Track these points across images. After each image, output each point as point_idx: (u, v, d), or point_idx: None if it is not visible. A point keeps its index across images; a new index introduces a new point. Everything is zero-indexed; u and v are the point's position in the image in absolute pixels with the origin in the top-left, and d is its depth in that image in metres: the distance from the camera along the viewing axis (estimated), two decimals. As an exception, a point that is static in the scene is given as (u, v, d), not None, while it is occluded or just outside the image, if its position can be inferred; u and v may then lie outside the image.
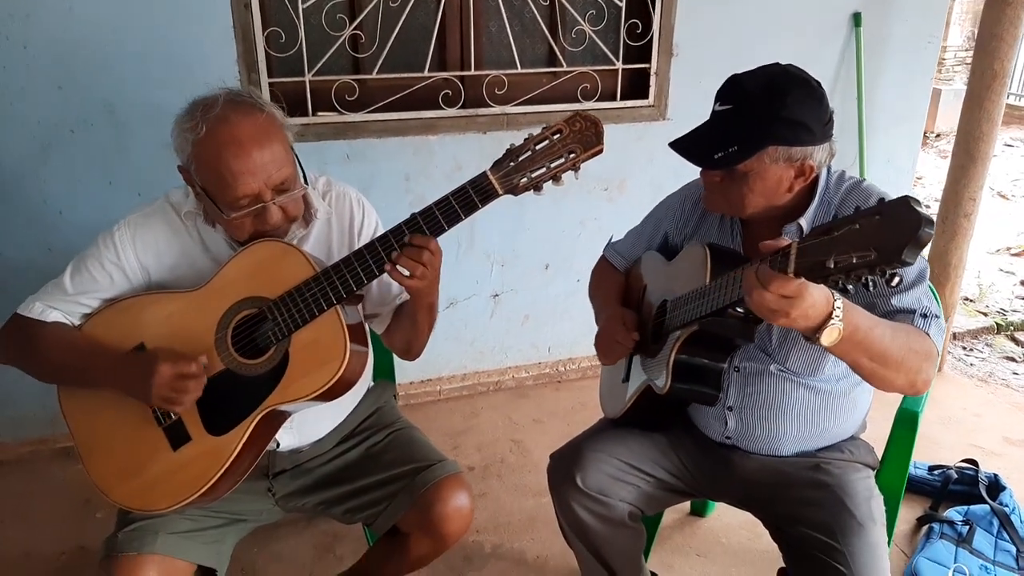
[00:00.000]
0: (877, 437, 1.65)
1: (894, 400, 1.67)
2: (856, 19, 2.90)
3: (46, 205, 2.32)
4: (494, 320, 2.96)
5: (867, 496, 1.48)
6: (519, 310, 2.98)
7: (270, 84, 2.36)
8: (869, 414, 1.65)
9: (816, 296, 1.11)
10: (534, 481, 2.47)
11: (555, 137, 1.29)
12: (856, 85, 2.97)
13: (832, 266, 0.98)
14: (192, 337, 1.40)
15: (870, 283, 0.96)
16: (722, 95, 1.40)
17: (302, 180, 1.46)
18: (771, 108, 1.32)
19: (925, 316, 1.34)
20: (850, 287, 0.99)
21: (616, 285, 1.77)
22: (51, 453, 2.56)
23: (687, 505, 2.32)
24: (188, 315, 1.42)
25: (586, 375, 3.12)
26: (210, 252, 1.50)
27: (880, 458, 1.65)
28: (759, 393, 1.53)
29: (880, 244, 0.93)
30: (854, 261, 0.95)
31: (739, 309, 1.26)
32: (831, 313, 1.13)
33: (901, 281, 0.97)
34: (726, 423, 1.58)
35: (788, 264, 1.05)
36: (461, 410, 2.91)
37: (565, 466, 1.63)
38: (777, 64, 1.39)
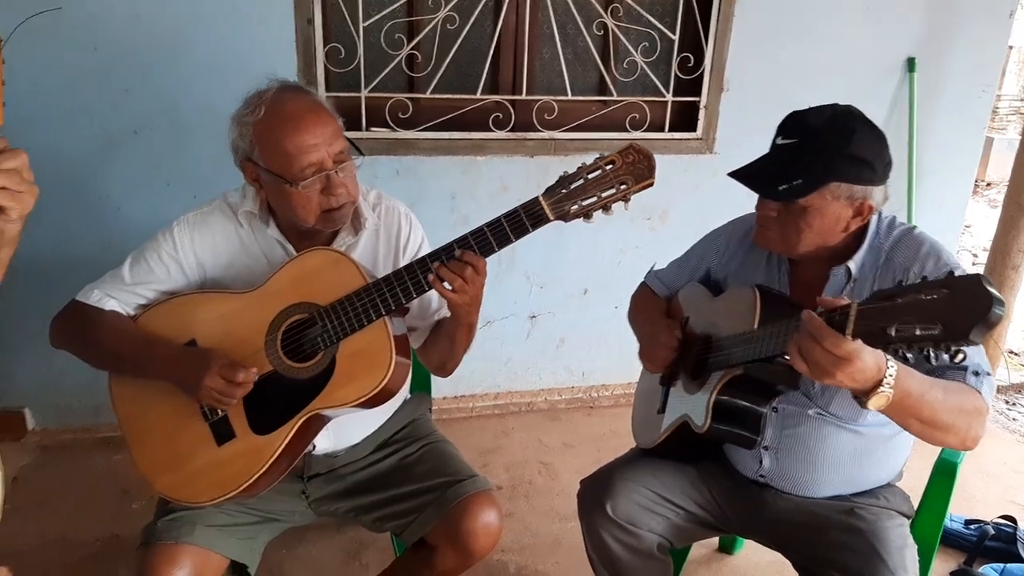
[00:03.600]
0: (913, 486, 1.63)
1: (933, 449, 1.64)
2: (910, 64, 2.89)
3: (104, 202, 2.41)
4: (530, 341, 2.98)
5: (900, 545, 1.45)
6: (555, 333, 2.99)
7: (327, 98, 2.42)
8: (907, 463, 1.62)
9: (868, 361, 1.08)
10: (561, 505, 2.47)
11: (608, 167, 1.31)
12: (908, 130, 2.95)
13: (893, 334, 0.96)
14: (243, 337, 1.44)
15: (932, 357, 0.94)
16: (785, 129, 1.41)
17: (352, 155, 1.49)
18: (838, 144, 1.33)
19: (977, 374, 1.31)
20: (910, 356, 0.98)
21: (658, 309, 1.78)
22: (93, 442, 2.63)
23: (714, 541, 2.29)
24: (241, 316, 1.46)
25: (619, 403, 3.11)
26: (264, 252, 1.55)
27: (916, 507, 1.62)
28: (797, 435, 1.52)
29: (947, 320, 0.91)
30: (917, 333, 0.94)
31: (787, 357, 1.23)
32: (881, 380, 1.11)
33: (965, 357, 0.94)
34: (761, 462, 1.57)
35: (847, 324, 1.04)
36: (492, 428, 2.92)
37: (596, 493, 1.63)
38: (838, 104, 1.40)
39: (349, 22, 2.40)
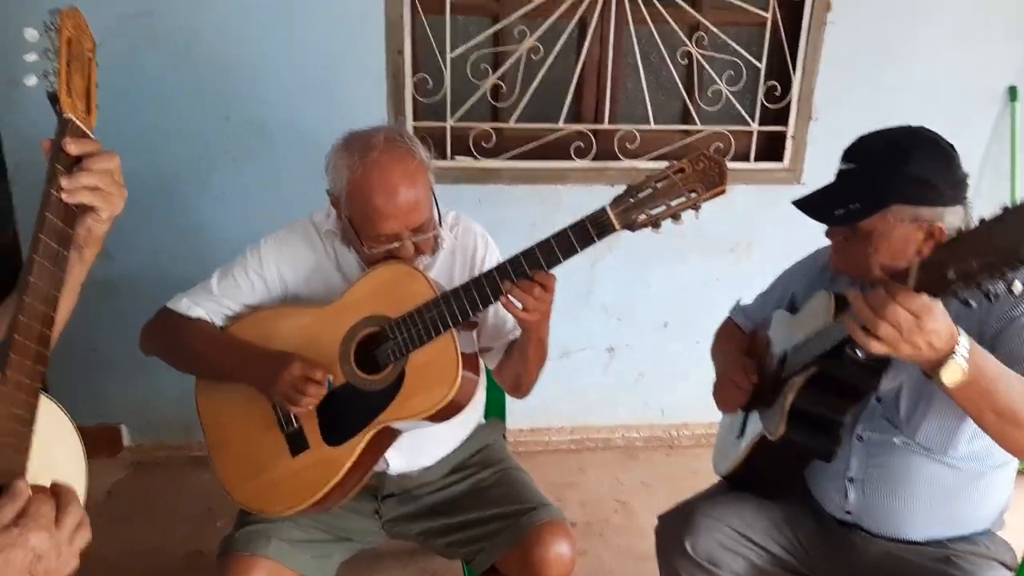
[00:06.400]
0: (1015, 541, 1.50)
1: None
2: (1012, 93, 2.74)
3: (203, 223, 2.52)
4: (607, 375, 2.93)
5: (1003, 598, 1.36)
6: (633, 367, 2.94)
7: (414, 127, 2.49)
8: (1008, 511, 1.51)
9: (940, 321, 1.07)
10: (638, 545, 2.38)
11: (677, 176, 1.28)
12: (1009, 162, 2.80)
13: (953, 277, 0.97)
14: (319, 350, 1.47)
15: (991, 294, 0.95)
16: (847, 155, 1.38)
17: (437, 221, 1.53)
18: (894, 166, 1.29)
19: None
20: (972, 301, 0.98)
21: (740, 342, 1.74)
22: (184, 460, 2.71)
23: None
24: (317, 329, 1.50)
25: (700, 443, 3.00)
26: (342, 269, 1.60)
27: (1021, 560, 1.49)
28: (884, 466, 1.44)
29: (999, 245, 0.93)
30: (973, 266, 0.94)
31: (858, 352, 1.20)
32: (955, 347, 1.09)
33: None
34: (846, 495, 1.49)
35: (909, 279, 1.03)
36: (568, 464, 2.87)
37: (675, 529, 1.58)
38: (907, 125, 1.36)
39: (437, 53, 2.47)
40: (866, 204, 1.30)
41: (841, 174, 1.38)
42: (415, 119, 2.51)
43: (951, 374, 1.10)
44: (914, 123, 1.38)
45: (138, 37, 2.25)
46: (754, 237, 2.79)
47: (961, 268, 0.96)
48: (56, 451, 1.04)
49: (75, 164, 0.98)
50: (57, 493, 0.86)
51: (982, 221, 0.97)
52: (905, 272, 1.05)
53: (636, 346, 2.90)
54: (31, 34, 0.98)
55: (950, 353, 1.09)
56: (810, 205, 1.38)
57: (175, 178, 2.46)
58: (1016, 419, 1.16)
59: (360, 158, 1.43)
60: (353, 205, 1.45)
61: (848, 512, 1.50)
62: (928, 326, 1.06)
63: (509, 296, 1.37)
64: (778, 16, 2.56)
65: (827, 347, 1.29)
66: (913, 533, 1.45)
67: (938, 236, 1.32)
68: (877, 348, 1.10)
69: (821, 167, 2.69)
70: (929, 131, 1.34)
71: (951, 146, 1.32)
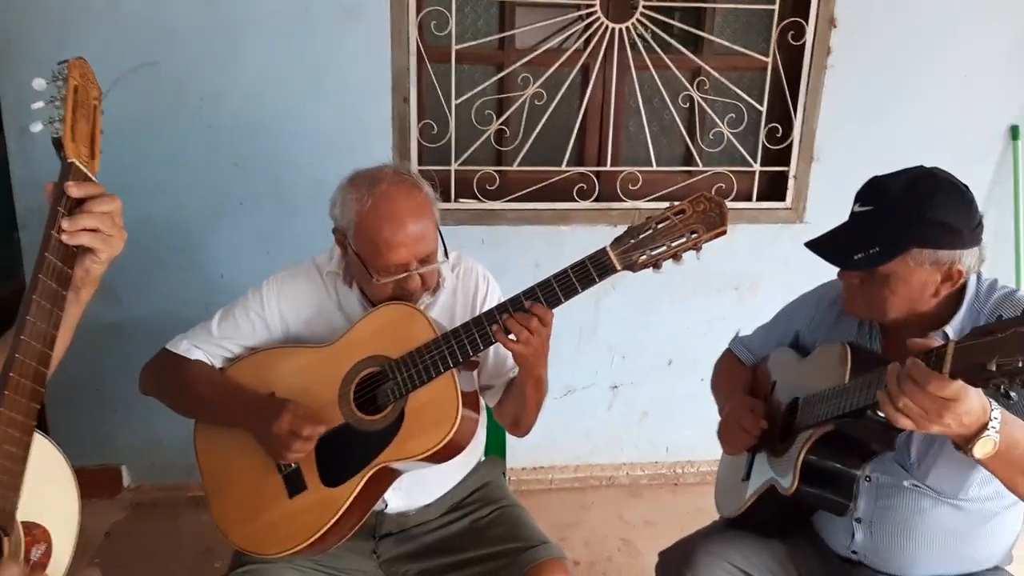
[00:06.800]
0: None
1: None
2: (1014, 132, 2.77)
3: (210, 268, 2.56)
4: (612, 413, 2.93)
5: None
6: (638, 405, 2.93)
7: (419, 170, 2.53)
8: (1016, 543, 1.49)
9: (973, 402, 1.04)
10: (641, 584, 2.37)
11: (677, 217, 1.30)
12: (1013, 200, 2.81)
13: (994, 369, 0.94)
14: (318, 390, 1.48)
15: None
16: (862, 196, 1.37)
17: (442, 254, 1.56)
18: (916, 209, 1.28)
19: None
20: (1013, 394, 0.95)
21: (742, 378, 1.73)
22: (184, 501, 2.70)
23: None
24: (317, 369, 1.51)
25: (705, 480, 2.98)
26: (344, 310, 1.61)
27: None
28: (892, 508, 1.43)
29: None
30: (1020, 365, 0.91)
31: (880, 413, 1.18)
32: (987, 423, 1.07)
33: None
34: (853, 535, 1.47)
35: (944, 364, 1.00)
36: (571, 502, 2.86)
37: (675, 565, 1.57)
38: (921, 166, 1.35)
39: (442, 100, 2.52)
40: (887, 248, 1.29)
41: (856, 216, 1.36)
42: (420, 163, 2.55)
43: (982, 447, 1.08)
44: (917, 163, 1.38)
45: (146, 86, 2.31)
46: (758, 275, 2.80)
47: (1003, 363, 0.93)
48: (48, 490, 1.05)
49: (77, 207, 1.00)
50: None
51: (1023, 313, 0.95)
52: (939, 352, 1.02)
53: (640, 384, 2.91)
54: (39, 83, 1.01)
55: (983, 428, 1.08)
56: (825, 247, 1.37)
57: (183, 222, 2.50)
58: None
59: (368, 190, 1.46)
60: (362, 237, 1.47)
61: (854, 551, 1.48)
62: (961, 409, 1.05)
63: (504, 329, 1.38)
64: (778, 61, 2.61)
65: (848, 409, 1.27)
66: (921, 572, 1.44)
67: (956, 278, 1.32)
68: (906, 425, 1.09)
69: (824, 206, 2.72)
70: (945, 172, 1.34)
71: (967, 187, 1.32)
